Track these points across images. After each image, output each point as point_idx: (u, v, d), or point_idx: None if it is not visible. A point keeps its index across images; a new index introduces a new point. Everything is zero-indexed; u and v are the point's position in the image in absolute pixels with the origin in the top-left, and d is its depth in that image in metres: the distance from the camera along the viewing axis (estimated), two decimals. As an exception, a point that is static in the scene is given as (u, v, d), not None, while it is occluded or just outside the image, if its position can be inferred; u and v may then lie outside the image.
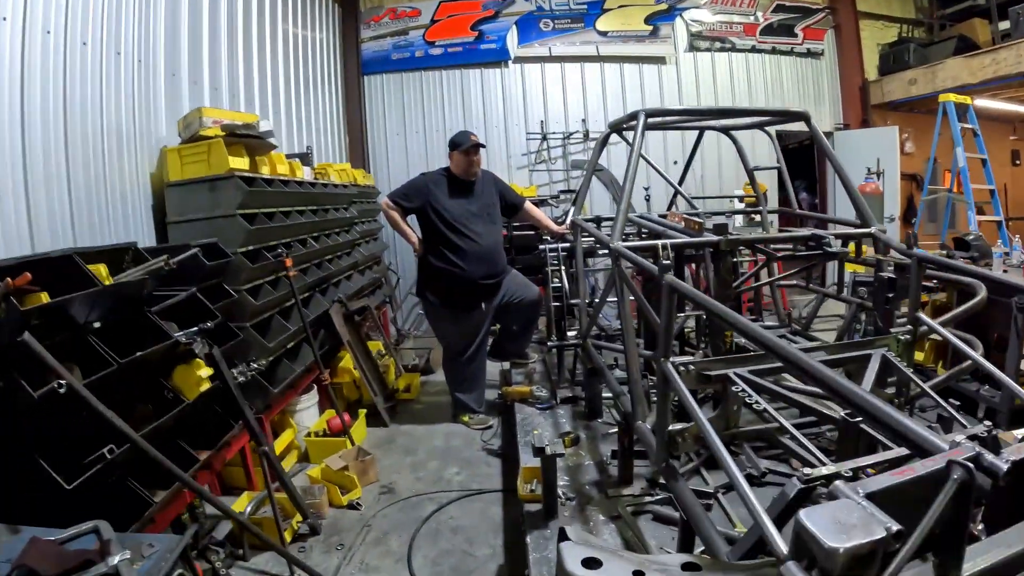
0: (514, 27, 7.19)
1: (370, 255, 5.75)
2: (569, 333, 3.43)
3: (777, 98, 7.95)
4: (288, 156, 4.57)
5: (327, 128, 6.68)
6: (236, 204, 3.09)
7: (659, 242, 2.10)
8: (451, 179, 3.76)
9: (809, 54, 8.17)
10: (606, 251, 2.59)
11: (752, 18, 7.93)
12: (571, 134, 7.04)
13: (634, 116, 2.62)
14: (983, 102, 7.23)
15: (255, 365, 2.86)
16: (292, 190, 3.93)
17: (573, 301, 3.45)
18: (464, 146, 3.64)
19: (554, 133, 7.05)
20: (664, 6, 7.53)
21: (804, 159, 8.84)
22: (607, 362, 2.96)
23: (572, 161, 7.05)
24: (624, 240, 2.29)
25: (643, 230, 3.25)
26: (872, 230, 2.39)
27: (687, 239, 2.43)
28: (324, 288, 4.36)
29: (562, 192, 6.85)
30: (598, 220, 3.60)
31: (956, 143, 6.34)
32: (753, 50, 7.87)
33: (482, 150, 3.77)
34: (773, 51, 7.90)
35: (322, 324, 4.08)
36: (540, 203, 6.67)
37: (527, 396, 3.42)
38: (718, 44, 7.78)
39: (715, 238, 2.30)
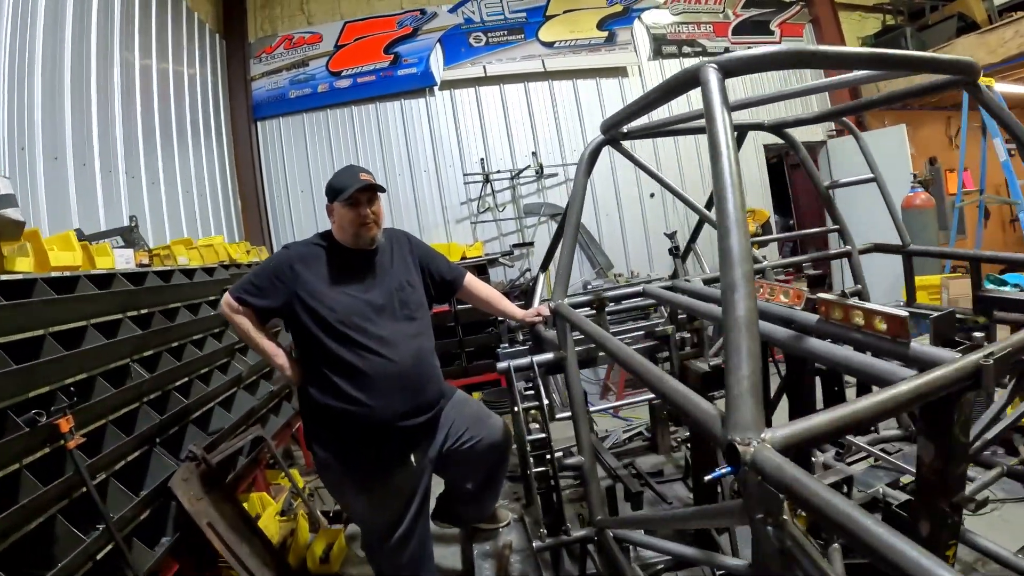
0: (438, 46, 5.82)
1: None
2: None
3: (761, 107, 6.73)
4: (97, 236, 3.06)
5: (211, 191, 5.14)
6: None
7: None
8: (333, 251, 2.14)
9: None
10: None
11: (722, 16, 6.77)
12: (520, 172, 5.62)
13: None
14: (1005, 86, 6.11)
15: None
16: (88, 292, 2.36)
17: (570, 461, 1.97)
18: (348, 191, 2.02)
19: (499, 173, 5.62)
20: (619, 7, 6.27)
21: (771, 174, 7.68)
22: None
23: (525, 206, 5.61)
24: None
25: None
26: None
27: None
28: (174, 435, 2.75)
29: (515, 247, 5.41)
30: (598, 299, 2.25)
31: (993, 134, 5.19)
32: (727, 52, 6.63)
33: (384, 198, 2.25)
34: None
35: (165, 498, 2.46)
36: (489, 264, 5.22)
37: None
38: (687, 48, 6.56)
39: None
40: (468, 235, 5.58)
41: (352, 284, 2.09)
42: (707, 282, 2.34)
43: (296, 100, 5.84)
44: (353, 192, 2.02)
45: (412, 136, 5.69)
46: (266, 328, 2.15)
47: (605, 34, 6.18)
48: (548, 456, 2.01)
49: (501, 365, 2.13)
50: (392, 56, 5.78)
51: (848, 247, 2.63)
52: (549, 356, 2.09)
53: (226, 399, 3.34)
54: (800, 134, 2.67)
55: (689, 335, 2.23)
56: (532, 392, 2.10)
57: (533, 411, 2.09)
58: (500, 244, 5.58)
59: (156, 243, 3.73)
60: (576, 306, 2.20)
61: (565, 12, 6.11)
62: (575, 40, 6.07)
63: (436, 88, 5.74)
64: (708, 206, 2.81)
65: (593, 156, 2.18)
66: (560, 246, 2.19)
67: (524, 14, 6.00)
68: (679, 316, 2.25)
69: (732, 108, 1.04)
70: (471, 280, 2.45)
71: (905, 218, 5.60)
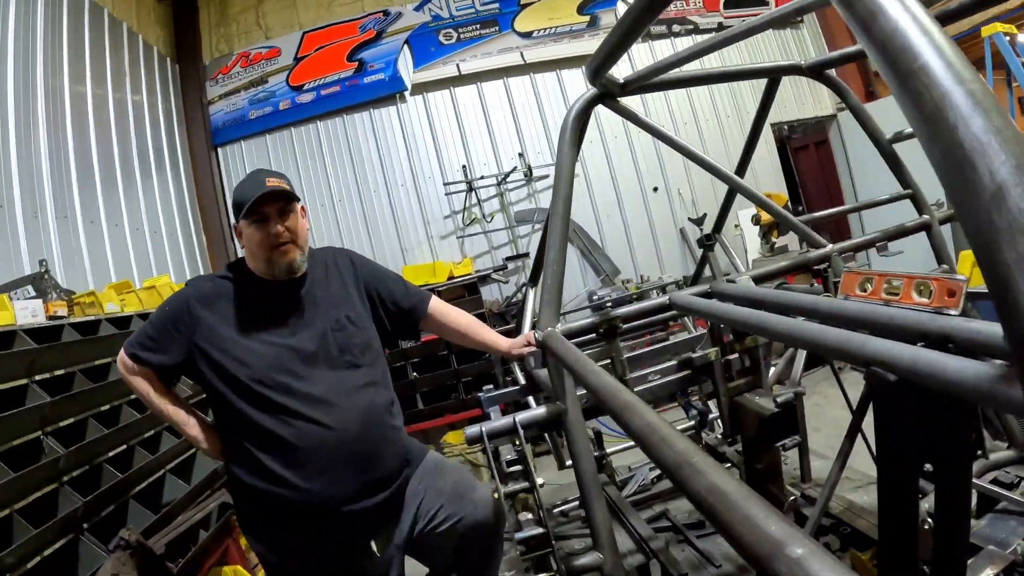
0: (406, 47, 5.31)
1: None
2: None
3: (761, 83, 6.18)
4: (6, 287, 2.70)
5: (167, 227, 4.68)
6: None
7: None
8: (245, 285, 1.62)
9: (788, 23, 6.51)
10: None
11: (712, -12, 6.23)
12: (507, 176, 5.08)
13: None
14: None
15: None
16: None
17: (583, 561, 1.37)
18: (251, 200, 1.51)
19: (483, 179, 5.09)
20: (601, -12, 5.75)
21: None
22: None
23: (516, 214, 5.07)
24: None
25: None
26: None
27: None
28: (108, 516, 2.21)
29: (509, 260, 4.86)
30: (608, 323, 1.58)
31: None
32: (720, 28, 6.14)
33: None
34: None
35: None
36: (481, 281, 4.68)
37: None
38: (677, 27, 6.03)
39: None
40: (455, 251, 5.04)
41: (271, 327, 1.56)
42: (759, 280, 1.69)
43: (257, 120, 5.36)
44: (255, 199, 1.49)
45: (385, 148, 5.17)
46: (171, 391, 1.63)
47: (587, 18, 5.66)
48: (551, 558, 1.44)
49: (470, 430, 1.51)
50: (356, 63, 5.29)
51: (925, 216, 2.04)
52: (541, 412, 1.49)
53: (181, 463, 2.83)
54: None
55: (737, 356, 1.53)
56: (521, 467, 1.53)
57: (523, 495, 1.52)
58: (492, 258, 5.03)
59: (99, 289, 3.27)
60: (578, 332, 1.61)
61: (541, -1, 5.61)
62: (555, 28, 5.55)
63: (407, 93, 5.23)
64: (740, 172, 2.21)
65: (581, 120, 1.61)
66: (547, 252, 1.57)
67: (497, 5, 5.50)
68: (721, 331, 1.55)
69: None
70: (438, 306, 1.85)
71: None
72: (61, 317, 2.59)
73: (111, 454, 2.45)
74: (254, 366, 1.50)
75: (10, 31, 3.49)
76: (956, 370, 0.58)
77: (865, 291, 0.98)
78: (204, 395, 1.63)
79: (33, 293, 2.77)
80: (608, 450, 2.50)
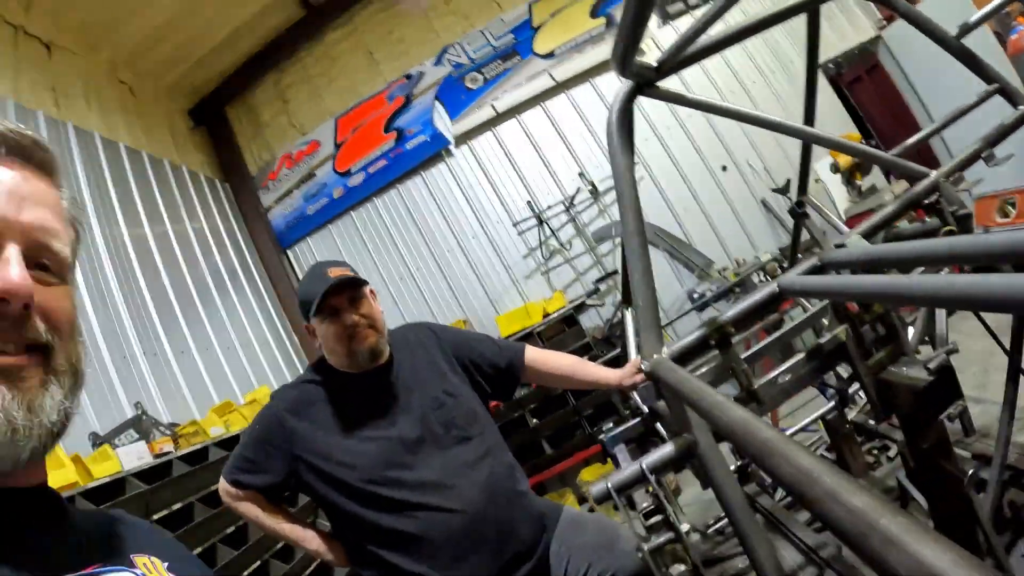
0: (437, 103, 5.30)
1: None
2: None
3: (795, 25, 5.88)
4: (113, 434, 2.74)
5: (257, 338, 4.75)
6: None
7: None
8: (333, 384, 1.55)
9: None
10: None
11: (718, -50, 5.98)
12: (572, 199, 4.95)
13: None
14: None
15: None
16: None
17: None
18: (318, 297, 1.45)
19: (550, 208, 4.98)
20: (604, -14, 5.61)
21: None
22: None
23: (593, 234, 4.92)
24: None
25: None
26: None
27: None
28: None
29: (599, 282, 4.71)
30: (718, 331, 1.29)
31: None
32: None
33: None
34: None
35: None
36: (577, 311, 4.54)
37: None
38: (692, 0, 5.81)
39: None
40: (543, 288, 4.92)
41: (368, 421, 1.48)
42: (869, 234, 1.40)
43: (316, 215, 5.44)
44: (325, 292, 1.42)
45: (446, 206, 5.14)
46: (281, 507, 1.55)
47: (602, 20, 5.52)
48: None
49: (596, 488, 1.28)
50: (395, 132, 5.31)
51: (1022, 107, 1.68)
52: (668, 450, 1.25)
53: (315, 570, 2.84)
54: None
55: (868, 326, 1.29)
56: (659, 515, 1.30)
57: (670, 547, 1.29)
58: (581, 285, 4.88)
59: (202, 416, 3.36)
60: (688, 351, 1.35)
61: (552, 15, 5.51)
62: (574, 39, 5.44)
63: (451, 147, 5.20)
64: (808, 122, 1.90)
65: (624, 118, 1.38)
66: (631, 275, 1.34)
67: (511, 35, 5.44)
68: (845, 306, 1.36)
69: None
70: (535, 354, 1.74)
71: (1018, 66, 4.54)
72: (168, 453, 2.66)
73: (245, 574, 2.45)
74: (361, 466, 1.42)
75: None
76: None
77: (1007, 216, 0.77)
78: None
79: (136, 436, 2.82)
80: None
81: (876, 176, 5.40)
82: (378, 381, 1.54)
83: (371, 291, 1.56)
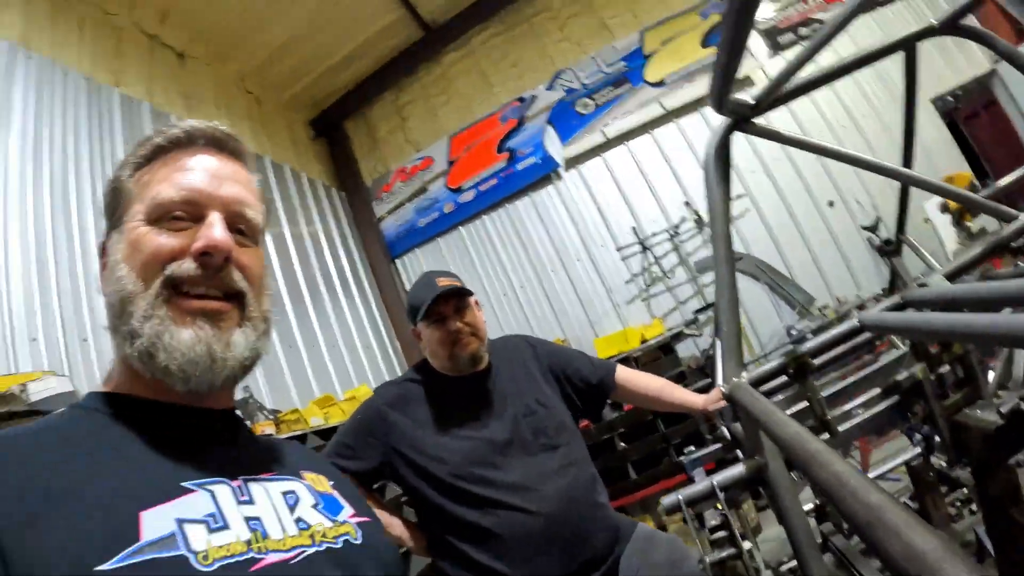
0: (548, 127, 5.53)
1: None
2: None
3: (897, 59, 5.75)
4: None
5: (360, 340, 5.09)
6: None
7: None
8: (433, 385, 1.70)
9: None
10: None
11: (832, -23, 5.93)
12: (677, 227, 5.08)
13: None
14: None
15: None
16: None
17: None
18: (426, 303, 1.60)
19: (655, 236, 5.12)
20: (716, 16, 5.68)
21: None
22: None
23: (696, 263, 5.03)
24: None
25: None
26: None
27: None
28: None
29: (698, 312, 4.82)
30: (796, 361, 1.30)
31: None
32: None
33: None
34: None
35: None
36: (674, 340, 4.68)
37: None
38: (803, 30, 5.80)
39: None
40: (643, 314, 5.07)
41: (463, 422, 1.61)
42: (953, 276, 1.43)
43: (426, 227, 5.78)
44: (434, 298, 1.57)
45: (553, 228, 5.36)
46: (373, 494, 1.70)
47: (713, 49, 5.59)
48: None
49: (667, 499, 1.29)
50: (507, 153, 5.57)
51: None
52: (739, 470, 1.26)
53: None
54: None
55: (949, 367, 1.33)
56: (725, 532, 1.36)
57: (731, 563, 1.37)
58: (681, 314, 4.99)
59: (303, 407, 3.58)
60: (766, 377, 1.42)
61: (664, 43, 5.63)
62: (684, 69, 5.54)
63: (561, 170, 5.42)
64: (907, 162, 1.90)
65: (721, 154, 1.43)
66: (717, 301, 1.39)
67: (623, 63, 5.59)
68: (925, 343, 1.34)
69: None
70: (625, 374, 1.83)
71: None
72: (269, 435, 2.89)
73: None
74: (452, 462, 1.53)
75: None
76: None
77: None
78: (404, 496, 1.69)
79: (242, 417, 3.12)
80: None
81: (992, 220, 5.25)
82: (476, 386, 1.66)
83: (475, 302, 1.68)
